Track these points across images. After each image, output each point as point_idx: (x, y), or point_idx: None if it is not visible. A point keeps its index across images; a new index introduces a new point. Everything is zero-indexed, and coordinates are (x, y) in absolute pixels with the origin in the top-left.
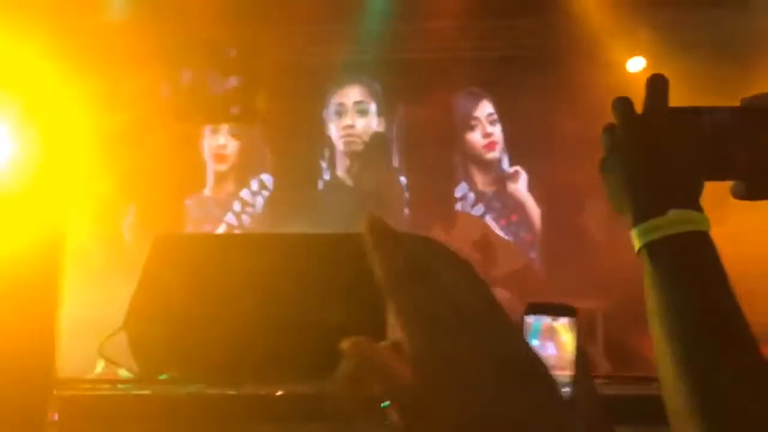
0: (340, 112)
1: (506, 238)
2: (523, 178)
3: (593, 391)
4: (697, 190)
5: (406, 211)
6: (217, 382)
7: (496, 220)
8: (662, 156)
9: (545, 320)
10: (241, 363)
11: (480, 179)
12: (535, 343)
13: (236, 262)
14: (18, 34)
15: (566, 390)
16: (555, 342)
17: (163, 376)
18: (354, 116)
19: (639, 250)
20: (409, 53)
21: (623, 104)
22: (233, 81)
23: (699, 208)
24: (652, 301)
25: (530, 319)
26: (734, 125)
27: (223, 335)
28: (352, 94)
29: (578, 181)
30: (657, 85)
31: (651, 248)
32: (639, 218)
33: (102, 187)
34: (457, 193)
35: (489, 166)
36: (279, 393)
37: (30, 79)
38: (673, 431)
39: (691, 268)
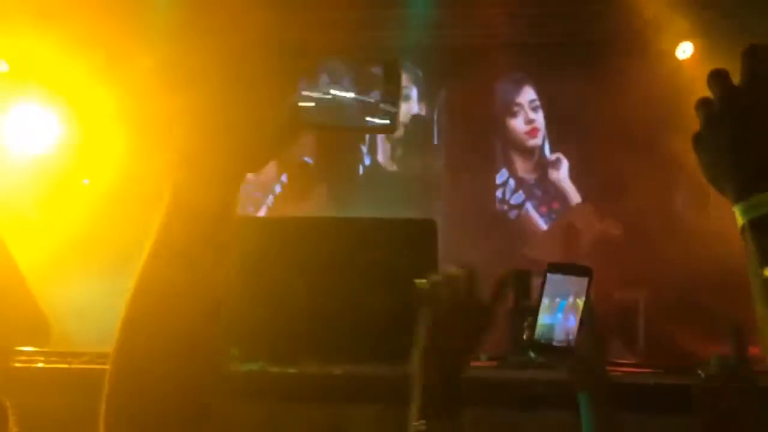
0: None
1: (545, 225)
2: (565, 165)
3: (595, 337)
4: None
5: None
6: (278, 361)
7: (537, 207)
8: (766, 127)
9: (569, 299)
10: (299, 343)
11: (521, 166)
12: (559, 316)
13: (288, 244)
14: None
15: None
16: (576, 315)
17: None
18: None
19: (742, 226)
20: (452, 38)
21: (720, 75)
22: (375, 95)
23: None
24: (754, 279)
25: (552, 277)
26: None
27: (281, 316)
28: None
29: (620, 169)
30: (756, 54)
31: (755, 225)
32: (742, 194)
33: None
34: (498, 180)
35: (530, 153)
36: (337, 372)
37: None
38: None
39: None
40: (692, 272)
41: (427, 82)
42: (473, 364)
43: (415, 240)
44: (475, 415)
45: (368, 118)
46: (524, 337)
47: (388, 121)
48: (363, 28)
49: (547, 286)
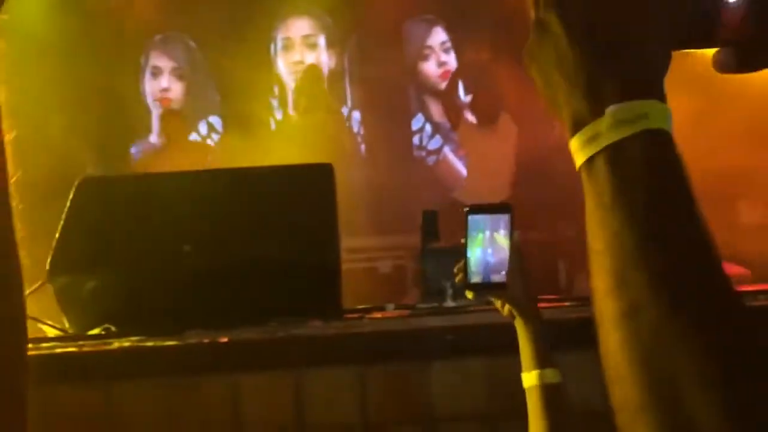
0: (287, 47)
1: (465, 169)
2: None
3: (524, 275)
4: (657, 69)
5: (362, 147)
6: (157, 333)
7: (455, 151)
8: (609, 21)
9: (487, 231)
10: (181, 311)
11: (436, 110)
12: (478, 250)
13: (171, 202)
14: None
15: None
16: (495, 248)
17: (95, 331)
18: (303, 51)
19: (579, 169)
20: None
21: None
22: None
23: (656, 95)
24: (591, 239)
25: (473, 218)
26: None
27: (161, 282)
28: (300, 28)
29: (535, 110)
30: None
31: (589, 167)
32: (576, 123)
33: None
34: (414, 126)
35: (444, 96)
36: (224, 340)
37: None
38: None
39: (643, 192)
40: None
41: (336, 28)
42: (379, 315)
43: (310, 187)
44: (388, 368)
45: None
46: (457, 281)
47: None
48: None
49: (470, 227)
